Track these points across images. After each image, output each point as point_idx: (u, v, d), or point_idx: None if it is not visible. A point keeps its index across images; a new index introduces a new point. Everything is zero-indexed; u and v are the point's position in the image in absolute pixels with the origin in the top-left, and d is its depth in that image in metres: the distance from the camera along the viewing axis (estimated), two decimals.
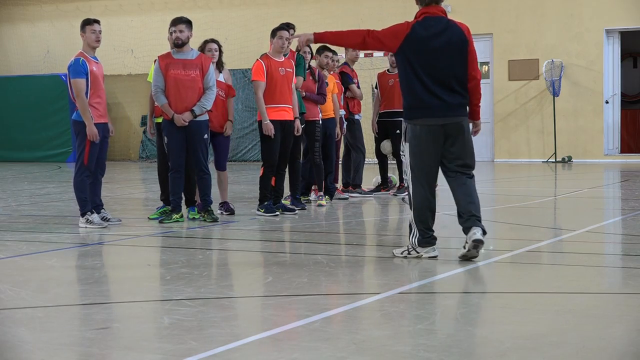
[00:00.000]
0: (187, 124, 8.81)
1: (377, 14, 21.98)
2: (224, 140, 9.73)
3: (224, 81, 9.70)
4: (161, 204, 9.68)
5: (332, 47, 11.35)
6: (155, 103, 9.12)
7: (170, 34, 9.00)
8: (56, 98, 23.58)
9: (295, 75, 9.87)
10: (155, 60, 9.21)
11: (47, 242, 7.93)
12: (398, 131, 12.21)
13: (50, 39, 25.22)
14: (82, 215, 8.73)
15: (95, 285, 5.95)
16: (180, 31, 8.93)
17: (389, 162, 12.38)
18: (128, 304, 5.23)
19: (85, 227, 8.65)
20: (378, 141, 12.06)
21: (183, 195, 9.30)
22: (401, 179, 12.14)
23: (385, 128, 11.95)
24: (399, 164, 12.12)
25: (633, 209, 9.91)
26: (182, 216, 9.11)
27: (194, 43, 9.74)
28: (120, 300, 5.30)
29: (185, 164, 9.05)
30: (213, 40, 9.69)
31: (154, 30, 23.54)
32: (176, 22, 9.00)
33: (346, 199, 11.35)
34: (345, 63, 12.12)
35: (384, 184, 12.23)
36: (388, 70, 12.21)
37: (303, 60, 10.24)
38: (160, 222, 9.00)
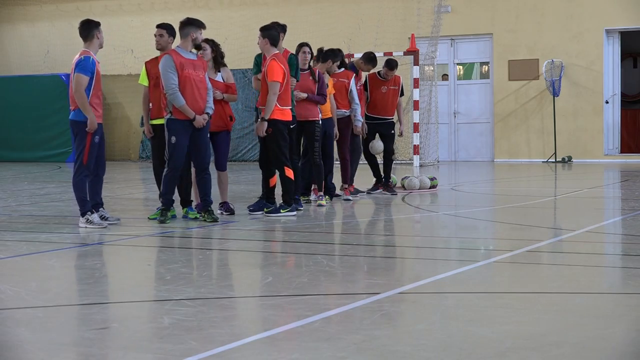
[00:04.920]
0: (205, 124, 8.90)
1: (376, 14, 21.98)
2: (224, 140, 9.73)
3: (222, 81, 9.69)
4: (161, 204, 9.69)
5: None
6: (172, 102, 8.85)
7: (195, 35, 9.04)
8: (56, 98, 23.59)
9: (290, 77, 9.87)
10: (145, 63, 9.30)
11: (47, 242, 7.93)
12: (393, 131, 12.22)
13: (50, 39, 25.25)
14: (82, 215, 8.73)
15: (95, 285, 5.95)
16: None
17: (379, 161, 12.36)
18: (128, 304, 5.23)
19: (85, 227, 8.65)
20: (366, 142, 12.05)
21: (179, 196, 9.46)
22: (388, 178, 12.13)
23: (375, 129, 11.97)
24: (389, 163, 12.12)
25: (633, 209, 9.91)
26: (174, 210, 9.17)
27: None
28: (120, 300, 5.30)
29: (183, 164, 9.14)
30: (206, 40, 9.68)
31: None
32: (202, 25, 9.09)
33: (348, 199, 11.33)
34: (352, 67, 12.03)
35: (380, 182, 12.24)
36: (379, 73, 12.18)
37: (296, 60, 10.15)
38: (161, 222, 9.00)
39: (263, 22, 10.12)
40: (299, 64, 10.18)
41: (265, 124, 9.41)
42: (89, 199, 8.78)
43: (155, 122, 9.45)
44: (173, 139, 8.89)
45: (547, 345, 4.06)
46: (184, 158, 8.97)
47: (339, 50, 11.76)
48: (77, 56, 8.67)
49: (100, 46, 8.83)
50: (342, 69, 11.58)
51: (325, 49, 11.46)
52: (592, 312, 4.77)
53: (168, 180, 8.98)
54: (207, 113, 8.96)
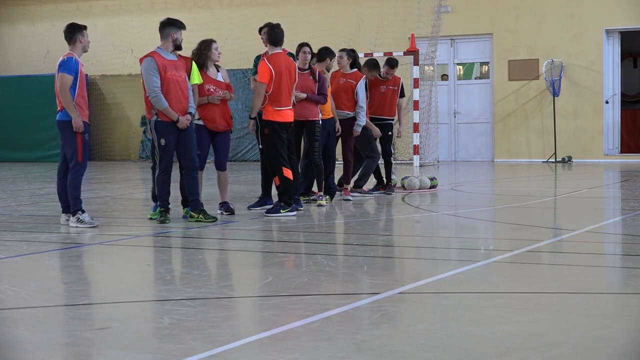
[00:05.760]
0: (189, 125, 8.90)
1: (377, 14, 21.98)
2: (225, 140, 9.73)
3: (223, 80, 9.70)
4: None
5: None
6: (155, 106, 8.84)
7: (176, 36, 8.97)
8: (56, 98, 23.57)
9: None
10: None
11: (47, 242, 7.93)
12: (390, 133, 12.20)
13: (50, 39, 25.24)
14: (74, 213, 8.72)
15: (95, 285, 5.96)
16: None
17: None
18: (128, 304, 5.23)
19: (77, 227, 8.65)
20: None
21: (180, 195, 9.47)
22: (389, 178, 12.14)
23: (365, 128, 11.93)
24: (389, 165, 12.12)
25: (633, 209, 9.91)
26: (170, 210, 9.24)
27: (193, 43, 9.71)
28: (120, 300, 5.30)
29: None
30: (214, 40, 9.67)
31: (154, 30, 23.31)
32: (183, 25, 9.06)
33: (347, 199, 11.32)
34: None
35: (381, 183, 12.25)
36: (380, 75, 12.17)
37: (294, 60, 10.13)
38: (161, 222, 8.99)
39: (263, 22, 10.13)
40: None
41: (251, 122, 9.73)
42: (64, 200, 8.83)
43: None
44: (162, 141, 8.88)
45: (547, 345, 4.06)
46: (172, 159, 8.99)
47: (352, 50, 11.76)
48: (60, 58, 8.74)
49: (85, 50, 8.84)
50: (355, 69, 11.55)
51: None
52: (592, 312, 4.77)
53: (161, 181, 8.97)
54: (190, 113, 8.98)
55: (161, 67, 8.80)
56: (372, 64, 12.17)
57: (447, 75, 22.36)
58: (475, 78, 22.32)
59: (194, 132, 9.08)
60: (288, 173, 9.54)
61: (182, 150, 8.98)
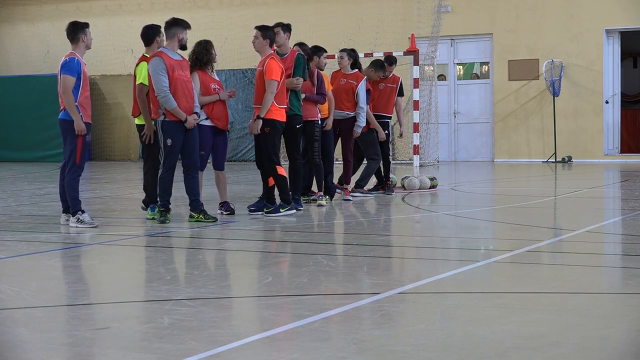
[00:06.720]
0: (195, 125, 8.91)
1: (376, 14, 21.99)
2: (224, 140, 9.74)
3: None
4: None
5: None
6: (164, 105, 8.76)
7: (182, 36, 8.95)
8: (56, 98, 23.04)
9: (293, 76, 9.79)
10: (141, 61, 9.20)
11: (47, 242, 7.93)
12: (387, 131, 12.19)
13: (50, 39, 25.26)
14: (74, 214, 8.72)
15: (95, 285, 5.96)
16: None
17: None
18: (128, 304, 5.23)
19: (77, 227, 8.64)
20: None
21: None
22: (387, 177, 12.15)
23: (371, 130, 11.92)
24: (387, 164, 12.12)
25: (633, 209, 9.91)
26: (155, 213, 9.27)
27: (191, 43, 9.71)
28: (120, 300, 5.29)
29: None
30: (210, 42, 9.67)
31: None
32: (188, 25, 9.06)
33: (347, 199, 11.32)
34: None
35: (381, 183, 12.25)
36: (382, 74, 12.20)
37: (303, 60, 10.07)
38: (161, 222, 8.99)
39: (263, 22, 10.10)
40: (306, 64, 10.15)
41: (260, 122, 9.37)
42: (65, 200, 8.82)
43: (139, 121, 9.45)
44: (169, 141, 8.86)
45: (547, 345, 4.06)
46: (176, 159, 9.00)
47: (353, 50, 11.75)
48: (63, 58, 8.73)
49: (87, 47, 8.83)
50: (356, 70, 11.52)
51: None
52: (592, 312, 4.77)
53: (165, 181, 8.96)
54: (196, 113, 8.98)
55: (169, 67, 8.80)
56: (379, 64, 12.18)
57: (444, 76, 22.35)
58: (472, 77, 22.33)
59: (197, 132, 9.07)
60: (282, 171, 9.55)
61: (186, 150, 8.98)
